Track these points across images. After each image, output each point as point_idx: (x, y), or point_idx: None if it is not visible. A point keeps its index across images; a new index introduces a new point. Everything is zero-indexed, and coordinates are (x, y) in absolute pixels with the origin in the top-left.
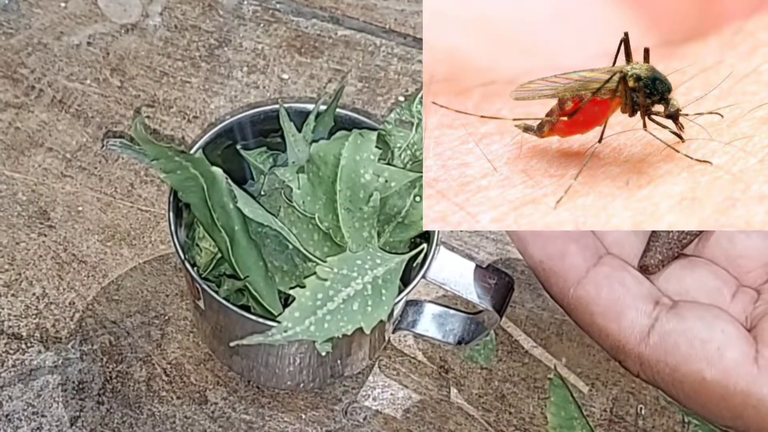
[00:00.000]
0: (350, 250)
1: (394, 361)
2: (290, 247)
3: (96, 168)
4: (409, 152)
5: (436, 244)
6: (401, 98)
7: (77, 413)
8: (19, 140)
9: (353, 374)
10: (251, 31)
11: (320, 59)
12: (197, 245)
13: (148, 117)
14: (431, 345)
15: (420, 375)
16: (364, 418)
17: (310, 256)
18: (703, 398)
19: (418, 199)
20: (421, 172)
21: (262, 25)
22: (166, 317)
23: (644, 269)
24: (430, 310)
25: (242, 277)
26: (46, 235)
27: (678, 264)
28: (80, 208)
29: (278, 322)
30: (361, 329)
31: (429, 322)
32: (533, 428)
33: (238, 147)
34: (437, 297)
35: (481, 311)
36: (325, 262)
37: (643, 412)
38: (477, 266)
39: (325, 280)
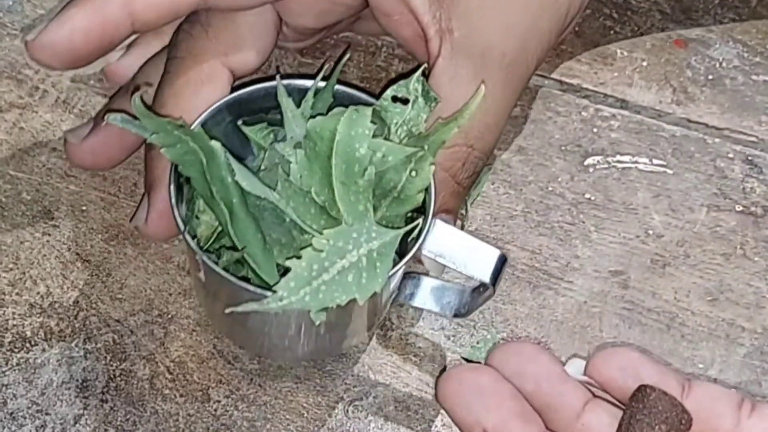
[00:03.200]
0: (346, 223)
1: (395, 359)
2: (287, 220)
3: None
4: (405, 128)
5: (432, 218)
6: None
7: (81, 411)
8: (23, 140)
9: (352, 349)
10: None
11: (322, 60)
12: (197, 218)
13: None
14: (432, 343)
15: (421, 373)
16: (366, 416)
17: (307, 229)
18: None
19: (414, 174)
20: (417, 149)
21: None
22: (170, 316)
23: None
24: (428, 283)
25: (240, 248)
26: (50, 235)
27: None
28: (84, 208)
29: (274, 291)
30: (355, 300)
31: (427, 295)
32: None
33: (239, 123)
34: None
35: (477, 286)
36: (321, 234)
37: None
38: (471, 240)
39: (321, 251)
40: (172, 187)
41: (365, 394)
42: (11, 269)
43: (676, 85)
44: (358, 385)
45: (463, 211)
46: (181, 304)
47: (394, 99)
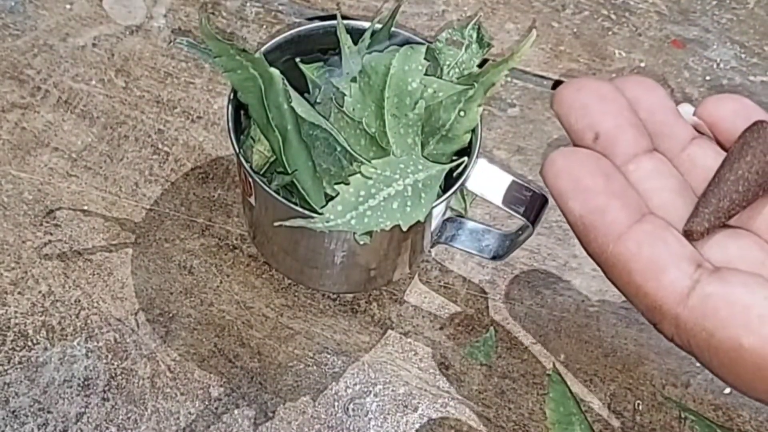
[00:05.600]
0: (394, 154)
1: (395, 357)
2: (338, 149)
3: (101, 168)
4: (457, 69)
5: (476, 156)
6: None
7: (82, 409)
8: (25, 140)
9: (393, 282)
10: (254, 33)
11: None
12: (251, 146)
13: (151, 117)
14: (432, 342)
15: (420, 371)
16: (366, 415)
17: (357, 157)
18: (738, 367)
19: (462, 114)
20: (468, 86)
21: (264, 26)
22: (171, 315)
23: (688, 235)
24: (468, 226)
25: (291, 172)
26: (51, 234)
27: (722, 233)
28: (85, 207)
29: (322, 214)
30: (399, 227)
31: (467, 238)
32: (532, 424)
33: (297, 60)
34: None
35: (515, 230)
36: (370, 163)
37: (640, 407)
38: (514, 180)
39: (369, 178)
40: (230, 107)
41: (365, 393)
42: (13, 268)
43: (674, 85)
44: (358, 384)
45: (463, 209)
46: (182, 303)
47: (449, 42)
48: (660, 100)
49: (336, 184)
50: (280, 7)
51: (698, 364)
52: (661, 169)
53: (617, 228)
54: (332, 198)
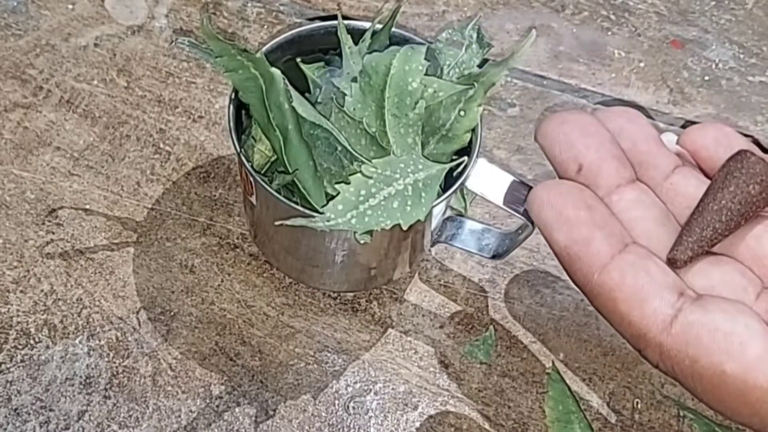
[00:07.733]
0: (394, 154)
1: (395, 355)
2: (339, 149)
3: (103, 167)
4: (457, 69)
5: (476, 156)
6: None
7: (84, 407)
8: (27, 140)
9: (393, 281)
10: (255, 33)
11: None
12: (252, 146)
13: (153, 117)
14: (432, 341)
15: (420, 369)
16: (366, 413)
17: (358, 156)
18: (722, 392)
19: (462, 113)
20: (468, 85)
21: (266, 26)
22: (172, 313)
23: (672, 263)
24: (469, 226)
25: (292, 171)
26: (54, 233)
27: (705, 260)
28: (87, 206)
29: (322, 213)
30: (399, 226)
31: (467, 237)
32: (531, 422)
33: (298, 60)
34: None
35: (515, 229)
36: (370, 163)
37: (639, 406)
38: (514, 179)
39: (369, 178)
40: (231, 107)
41: (366, 391)
42: (15, 267)
43: (673, 85)
44: (358, 382)
45: (463, 208)
46: (183, 301)
47: (449, 42)
48: (643, 130)
49: (337, 183)
50: (281, 8)
51: None
52: (643, 199)
53: (601, 258)
54: (333, 197)
